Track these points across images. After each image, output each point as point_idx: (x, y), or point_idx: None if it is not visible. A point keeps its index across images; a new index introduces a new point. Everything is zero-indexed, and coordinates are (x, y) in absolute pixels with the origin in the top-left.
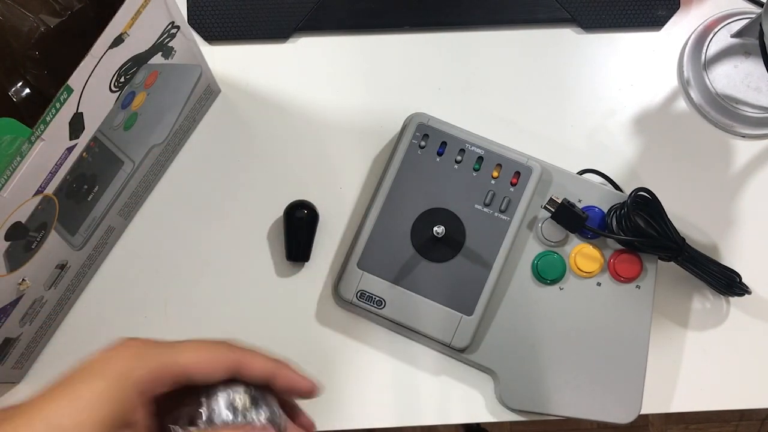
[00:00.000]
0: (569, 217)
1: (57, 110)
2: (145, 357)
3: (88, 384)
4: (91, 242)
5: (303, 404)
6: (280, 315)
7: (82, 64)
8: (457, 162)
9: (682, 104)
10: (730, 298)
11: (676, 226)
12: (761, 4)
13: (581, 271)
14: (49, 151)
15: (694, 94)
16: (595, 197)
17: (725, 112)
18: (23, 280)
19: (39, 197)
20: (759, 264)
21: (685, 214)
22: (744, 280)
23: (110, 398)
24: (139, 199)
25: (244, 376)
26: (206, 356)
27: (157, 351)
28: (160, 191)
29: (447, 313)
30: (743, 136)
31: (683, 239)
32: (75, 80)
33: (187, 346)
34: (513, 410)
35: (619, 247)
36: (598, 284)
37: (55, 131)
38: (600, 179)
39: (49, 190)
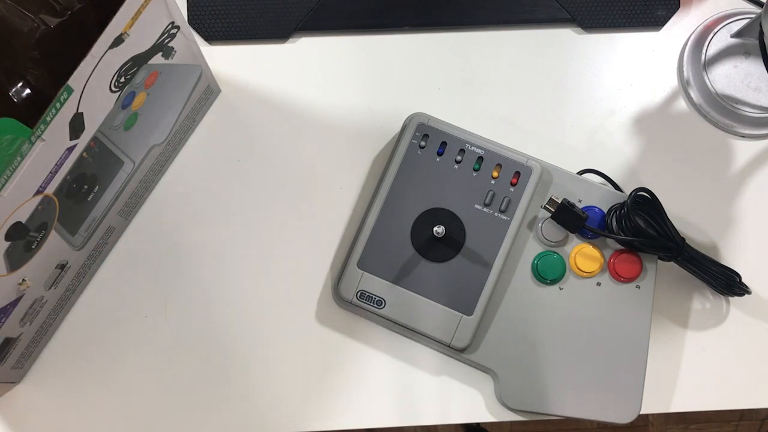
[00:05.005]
0: (569, 217)
1: (57, 110)
2: None
3: None
4: (92, 242)
5: (303, 405)
6: (279, 315)
7: (82, 64)
8: (457, 162)
9: (682, 104)
10: (730, 298)
11: (676, 226)
12: (761, 4)
13: (581, 271)
14: (50, 151)
15: (694, 94)
16: (595, 197)
17: (725, 112)
18: (23, 280)
19: (39, 197)
20: (759, 264)
21: (685, 214)
22: (744, 280)
23: None
24: (139, 199)
25: None
26: None
27: None
28: (160, 191)
29: (447, 313)
30: (743, 136)
31: (683, 239)
32: (75, 80)
33: None
34: (513, 410)
35: (619, 247)
36: (598, 284)
37: (55, 131)
38: (600, 179)
39: (50, 190)
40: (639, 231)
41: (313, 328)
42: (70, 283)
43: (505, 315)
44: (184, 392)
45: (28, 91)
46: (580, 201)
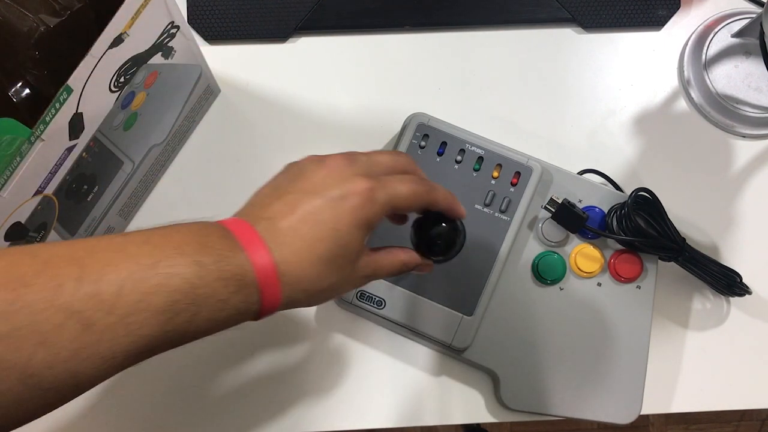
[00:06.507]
0: (569, 217)
1: (57, 110)
2: (375, 202)
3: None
4: None
5: (303, 406)
6: (280, 315)
7: (82, 64)
8: (457, 162)
9: (682, 104)
10: (730, 298)
11: (676, 226)
12: (761, 4)
13: (581, 271)
14: (49, 151)
15: (694, 94)
16: (596, 197)
17: (725, 112)
18: None
19: (39, 197)
20: (759, 264)
21: (685, 214)
22: (744, 280)
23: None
24: (138, 199)
25: (433, 207)
26: (414, 192)
27: (384, 193)
28: (160, 191)
29: (447, 314)
30: (743, 136)
31: (683, 239)
32: (75, 80)
33: (402, 182)
34: (513, 410)
35: (619, 247)
36: (599, 284)
37: (54, 131)
38: (600, 179)
39: (49, 190)
40: (639, 231)
41: (313, 329)
42: None
43: (506, 315)
44: (184, 393)
45: (27, 91)
46: (580, 201)
